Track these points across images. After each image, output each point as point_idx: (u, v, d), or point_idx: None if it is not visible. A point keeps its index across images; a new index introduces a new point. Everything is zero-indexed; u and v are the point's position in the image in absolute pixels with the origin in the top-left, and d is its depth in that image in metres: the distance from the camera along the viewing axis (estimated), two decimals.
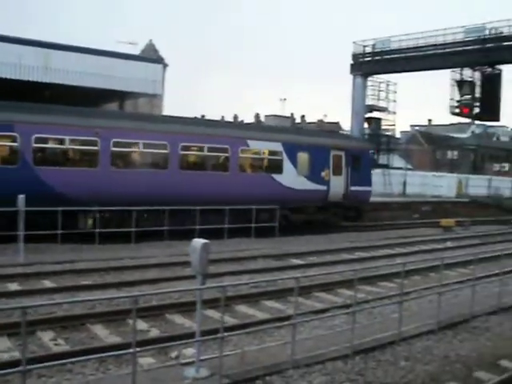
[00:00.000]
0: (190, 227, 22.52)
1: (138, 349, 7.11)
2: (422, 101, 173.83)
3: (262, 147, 27.27)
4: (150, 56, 39.65)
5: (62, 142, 22.00)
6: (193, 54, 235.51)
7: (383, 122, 41.18)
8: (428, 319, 11.90)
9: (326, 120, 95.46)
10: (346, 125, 46.68)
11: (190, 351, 9.70)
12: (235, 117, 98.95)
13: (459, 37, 39.02)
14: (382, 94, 41.48)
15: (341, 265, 18.86)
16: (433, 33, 40.37)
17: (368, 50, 44.02)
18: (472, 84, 38.40)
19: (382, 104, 41.45)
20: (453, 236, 30.25)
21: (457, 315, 12.59)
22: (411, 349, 10.36)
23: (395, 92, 41.96)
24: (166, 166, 23.97)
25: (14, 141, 20.74)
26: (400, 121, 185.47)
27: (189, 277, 14.29)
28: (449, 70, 39.53)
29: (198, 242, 8.06)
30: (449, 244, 26.70)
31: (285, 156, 27.54)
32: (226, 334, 8.34)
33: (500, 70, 38.55)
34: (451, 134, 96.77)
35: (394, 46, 42.50)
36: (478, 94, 38.54)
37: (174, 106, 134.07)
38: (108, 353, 8.24)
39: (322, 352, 9.60)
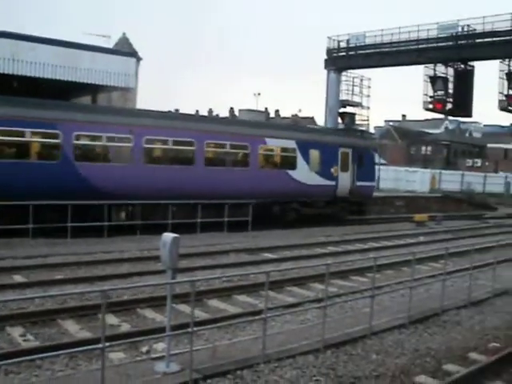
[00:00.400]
0: (162, 222, 22.39)
1: (107, 344, 7.04)
2: (397, 96, 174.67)
3: (278, 145, 29.02)
4: (124, 49, 39.26)
5: (99, 139, 23.05)
6: (169, 49, 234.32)
7: (357, 117, 41.22)
8: (399, 313, 12.02)
9: (301, 115, 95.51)
10: (321, 119, 46.66)
11: (161, 346, 9.67)
12: (210, 111, 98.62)
13: (433, 33, 39.13)
14: (356, 89, 41.49)
15: (314, 259, 18.90)
16: (407, 29, 40.41)
17: (342, 45, 44.04)
18: (445, 80, 38.60)
19: (355, 99, 41.46)
20: (425, 231, 30.54)
21: (428, 309, 12.72)
22: (382, 342, 10.44)
23: (369, 87, 42.03)
24: (192, 162, 25.38)
25: (56, 138, 21.64)
26: (374, 116, 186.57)
27: (162, 271, 14.23)
28: (422, 66, 39.76)
29: (168, 236, 8.03)
30: (421, 239, 26.94)
31: (298, 153, 29.27)
32: (195, 328, 8.31)
33: (472, 67, 38.82)
34: (425, 130, 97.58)
35: (369, 41, 42.49)
36: (450, 90, 38.79)
37: (148, 99, 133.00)
38: (77, 348, 8.16)
39: (293, 346, 9.63)
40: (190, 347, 7.98)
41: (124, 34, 46.97)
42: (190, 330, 7.94)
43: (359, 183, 32.25)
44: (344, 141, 32.44)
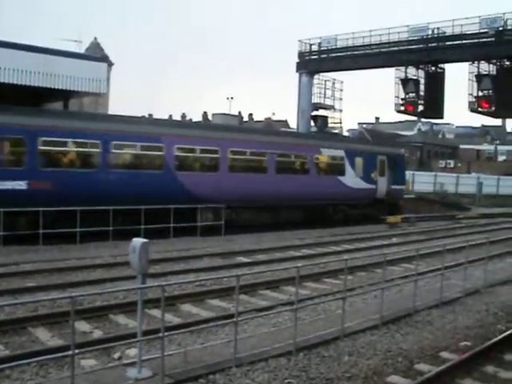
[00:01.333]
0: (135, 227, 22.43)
1: (76, 351, 7.01)
2: (370, 99, 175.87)
3: (330, 154, 33.59)
4: (95, 54, 39.03)
5: (194, 151, 26.97)
6: (141, 54, 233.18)
7: (330, 120, 41.51)
8: (372, 314, 12.10)
9: (274, 118, 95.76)
10: (294, 123, 46.85)
11: (133, 352, 9.59)
12: (183, 116, 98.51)
13: (403, 36, 39.56)
14: (328, 92, 41.83)
15: (287, 262, 18.89)
16: (378, 32, 40.79)
17: (314, 48, 44.26)
18: (416, 82, 38.96)
19: (328, 102, 41.78)
20: (399, 232, 30.73)
21: (400, 310, 12.82)
22: (355, 344, 10.50)
23: (341, 90, 42.40)
24: (265, 171, 29.67)
25: (161, 150, 25.16)
26: (348, 119, 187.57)
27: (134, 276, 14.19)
28: (394, 69, 40.08)
29: (138, 241, 8.01)
30: (394, 240, 27.09)
31: (346, 161, 33.88)
32: (167, 333, 8.30)
33: (443, 69, 39.23)
34: (398, 132, 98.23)
35: (340, 44, 42.77)
36: (422, 93, 39.14)
37: (120, 104, 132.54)
38: (46, 356, 8.08)
39: (265, 349, 9.65)
40: (162, 352, 7.98)
41: (95, 38, 46.83)
42: (161, 334, 7.93)
43: (393, 186, 36.96)
44: (381, 149, 37.68)
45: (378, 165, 36.01)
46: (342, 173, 33.66)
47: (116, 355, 9.69)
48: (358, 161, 34.54)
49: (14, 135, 21.88)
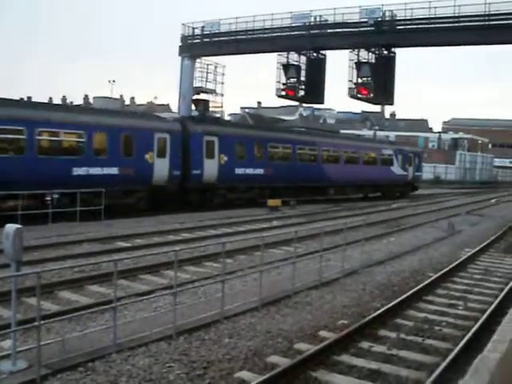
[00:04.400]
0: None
1: None
2: (253, 84, 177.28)
3: (387, 152, 51.57)
4: None
5: (329, 151, 44.48)
6: (17, 32, 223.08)
7: (211, 104, 41.41)
8: (252, 297, 12.31)
9: (157, 102, 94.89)
10: (176, 107, 46.36)
11: (8, 343, 9.28)
12: (63, 98, 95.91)
13: (286, 22, 40.04)
14: (210, 76, 41.67)
15: (167, 246, 18.78)
16: (261, 17, 41.03)
17: (197, 32, 44.05)
18: (298, 68, 39.48)
19: (209, 86, 41.67)
20: (279, 215, 31.19)
21: (280, 292, 13.13)
22: (235, 326, 10.67)
23: (223, 74, 42.30)
24: (358, 163, 47.27)
25: (315, 151, 42.59)
26: (231, 103, 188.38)
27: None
28: (276, 54, 40.47)
29: (11, 227, 7.75)
30: (275, 223, 27.52)
31: (393, 157, 51.61)
32: (43, 322, 8.10)
33: (324, 55, 39.96)
34: (280, 116, 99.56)
35: (224, 28, 42.75)
36: (303, 78, 39.76)
37: None
38: None
39: (145, 334, 9.65)
40: (38, 342, 7.77)
41: None
42: (36, 323, 7.73)
43: (416, 173, 55.77)
44: (411, 149, 57.08)
45: (409, 159, 53.65)
46: (392, 164, 51.37)
47: None
48: (400, 157, 52.11)
49: None
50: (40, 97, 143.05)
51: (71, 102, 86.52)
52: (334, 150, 44.52)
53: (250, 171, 35.74)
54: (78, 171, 25.60)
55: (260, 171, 36.52)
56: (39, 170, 23.76)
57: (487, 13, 33.03)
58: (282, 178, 37.72)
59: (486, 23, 33.42)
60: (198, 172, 32.15)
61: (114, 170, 27.23)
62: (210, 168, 32.75)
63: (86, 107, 59.29)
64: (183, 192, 31.95)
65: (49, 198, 23.62)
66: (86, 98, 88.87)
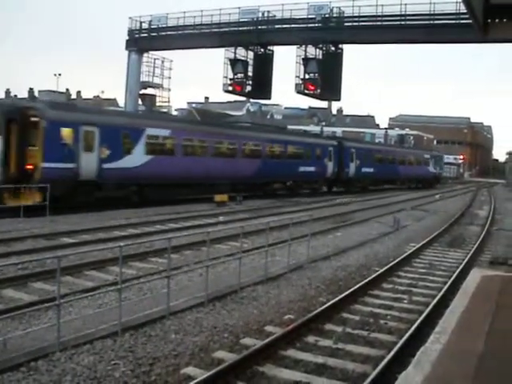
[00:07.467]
0: None
1: None
2: (201, 79, 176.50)
3: (425, 156, 76.26)
4: None
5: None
6: None
7: (158, 99, 41.25)
8: (198, 292, 12.30)
9: (104, 96, 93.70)
10: (123, 101, 45.92)
11: None
12: (7, 92, 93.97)
13: (234, 17, 40.05)
14: (157, 71, 41.51)
15: (112, 242, 18.55)
16: (209, 12, 41.02)
17: (145, 26, 43.70)
18: (245, 63, 39.41)
19: (156, 81, 41.51)
20: (226, 211, 31.15)
21: (226, 287, 13.14)
22: (181, 322, 10.66)
23: (170, 69, 42.21)
24: (410, 164, 71.12)
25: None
26: (177, 98, 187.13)
27: None
28: (224, 49, 40.40)
29: None
30: (221, 219, 27.45)
31: (430, 160, 76.07)
32: None
33: (272, 51, 40.08)
34: (227, 112, 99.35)
35: (171, 23, 42.53)
36: (250, 73, 39.77)
37: None
38: None
39: (90, 331, 9.55)
40: None
41: None
42: None
43: (439, 171, 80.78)
44: (436, 153, 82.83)
45: (436, 161, 79.23)
46: (428, 165, 75.56)
47: None
48: (432, 159, 76.68)
49: None
50: None
51: (15, 96, 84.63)
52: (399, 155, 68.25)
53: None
54: None
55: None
56: None
57: (432, 12, 33.80)
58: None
59: (431, 22, 34.23)
60: None
61: None
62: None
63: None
64: None
65: None
66: (30, 91, 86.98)
